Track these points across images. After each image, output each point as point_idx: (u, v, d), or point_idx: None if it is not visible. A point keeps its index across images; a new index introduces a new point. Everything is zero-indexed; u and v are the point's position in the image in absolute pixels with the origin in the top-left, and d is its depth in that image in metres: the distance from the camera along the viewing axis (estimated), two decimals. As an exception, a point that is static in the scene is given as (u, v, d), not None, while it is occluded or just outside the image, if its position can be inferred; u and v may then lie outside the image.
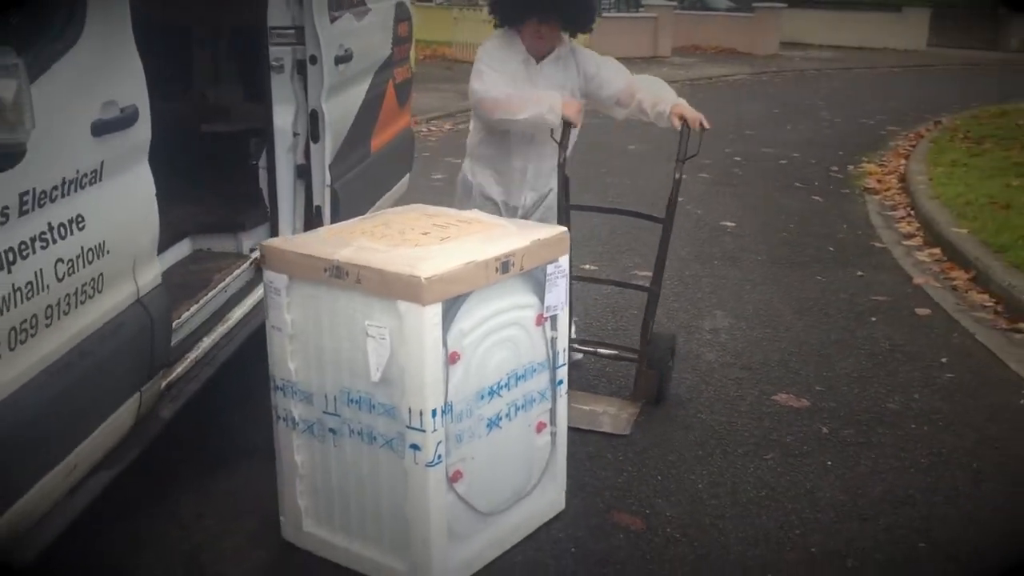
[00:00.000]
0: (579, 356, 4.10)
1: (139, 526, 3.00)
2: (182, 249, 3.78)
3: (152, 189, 2.68)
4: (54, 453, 2.26)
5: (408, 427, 2.57)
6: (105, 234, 2.42)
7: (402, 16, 5.02)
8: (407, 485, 2.63)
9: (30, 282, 2.12)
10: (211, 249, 3.89)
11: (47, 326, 2.19)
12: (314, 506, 2.89)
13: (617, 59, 3.92)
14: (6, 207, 2.02)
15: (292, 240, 2.91)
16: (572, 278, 3.25)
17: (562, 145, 3.51)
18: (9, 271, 2.04)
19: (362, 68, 4.35)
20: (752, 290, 5.42)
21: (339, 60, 3.99)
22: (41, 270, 2.15)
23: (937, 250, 6.27)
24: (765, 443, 3.64)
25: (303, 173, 4.00)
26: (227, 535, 3.00)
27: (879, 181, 8.47)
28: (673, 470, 3.43)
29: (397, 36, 4.90)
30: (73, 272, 2.28)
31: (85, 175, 2.32)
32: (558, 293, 2.91)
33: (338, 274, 2.60)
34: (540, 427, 3.00)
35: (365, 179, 4.44)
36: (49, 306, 2.20)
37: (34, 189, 2.11)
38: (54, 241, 2.20)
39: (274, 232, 4.00)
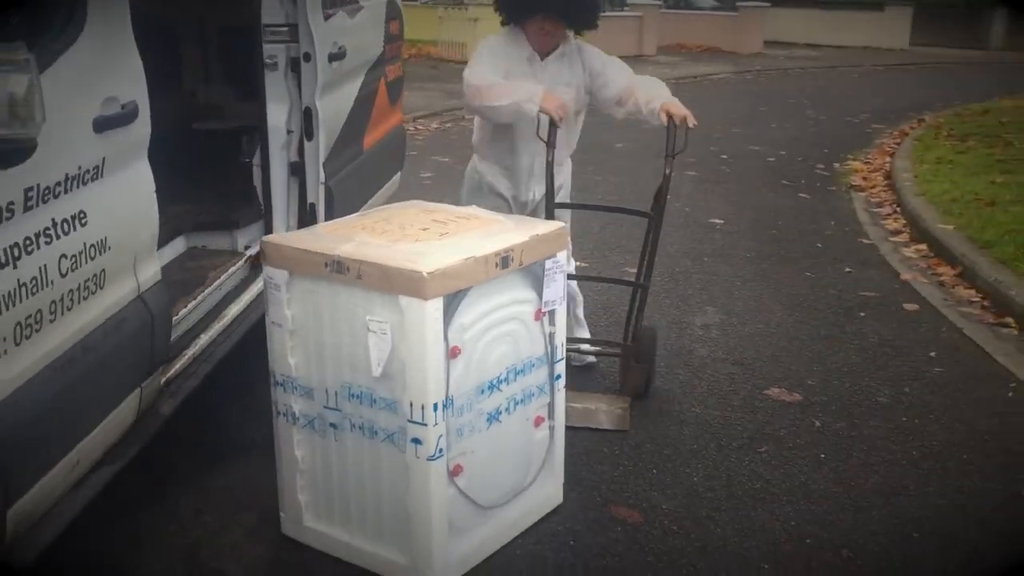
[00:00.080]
0: (591, 359, 4.14)
1: (138, 523, 3.01)
2: (177, 246, 3.79)
3: (152, 185, 2.69)
4: (58, 449, 2.27)
5: (409, 421, 2.59)
6: (107, 230, 2.42)
7: (393, 14, 5.03)
8: (408, 479, 2.64)
9: (35, 278, 2.12)
10: (206, 246, 3.90)
11: (51, 322, 2.20)
12: (314, 501, 2.90)
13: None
14: (11, 203, 2.02)
15: (292, 236, 2.92)
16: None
17: (549, 144, 3.52)
18: (15, 266, 2.05)
19: (355, 66, 4.36)
20: (742, 286, 5.46)
21: (333, 58, 4.00)
22: (45, 266, 2.16)
23: (923, 246, 6.34)
24: (759, 437, 3.67)
25: (297, 171, 4.00)
26: (226, 531, 3.00)
27: (865, 178, 8.54)
28: (669, 464, 3.45)
29: (389, 34, 4.91)
30: (76, 268, 2.29)
31: (87, 171, 2.33)
32: (556, 288, 2.93)
33: (339, 269, 2.61)
34: (538, 421, 3.02)
35: (358, 177, 4.46)
36: (53, 302, 2.20)
37: (38, 185, 2.11)
38: (58, 237, 2.21)
39: (268, 229, 4.01)
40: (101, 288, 2.42)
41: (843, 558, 2.92)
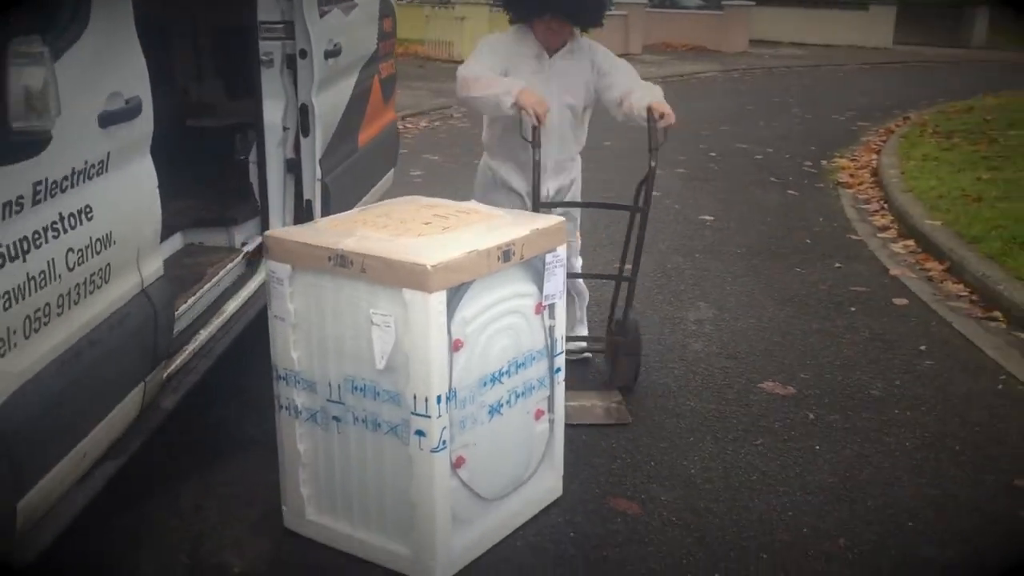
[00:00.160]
0: (588, 354, 4.17)
1: (139, 517, 3.01)
2: (174, 243, 3.79)
3: (155, 181, 2.71)
4: (66, 442, 2.28)
5: (413, 413, 2.61)
6: (112, 225, 2.44)
7: (386, 12, 5.05)
8: (412, 471, 2.67)
9: (43, 271, 2.14)
10: (203, 243, 3.91)
11: (59, 315, 2.21)
12: (316, 494, 2.91)
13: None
14: (21, 196, 2.03)
15: (295, 230, 2.93)
16: None
17: (534, 143, 3.55)
18: (24, 260, 2.06)
19: (349, 63, 4.38)
20: (734, 282, 5.50)
21: (328, 55, 4.01)
22: (53, 259, 2.17)
23: (911, 242, 6.39)
24: (754, 429, 3.71)
25: (293, 167, 4.02)
26: (228, 525, 3.02)
27: (852, 175, 8.60)
28: (666, 456, 3.49)
29: (382, 31, 4.93)
30: (82, 262, 2.30)
31: (93, 166, 2.34)
32: (556, 282, 2.96)
33: (342, 263, 2.63)
34: (539, 414, 3.05)
35: (353, 173, 4.47)
36: (60, 295, 2.22)
37: (46, 179, 2.13)
38: (65, 231, 2.22)
39: (265, 226, 4.02)
40: (106, 282, 2.43)
41: (840, 547, 2.96)
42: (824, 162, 9.24)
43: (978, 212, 6.48)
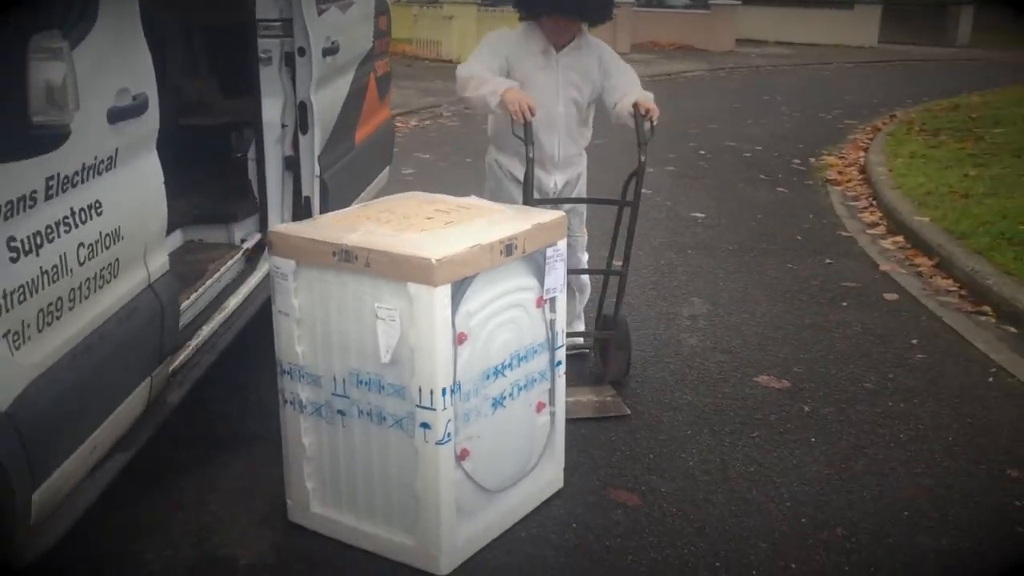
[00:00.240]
0: (586, 349, 4.20)
1: (144, 511, 3.03)
2: (174, 240, 3.81)
3: (160, 177, 2.73)
4: (78, 435, 2.30)
5: (418, 406, 2.64)
6: (120, 220, 2.46)
7: (382, 9, 5.07)
8: (417, 463, 2.70)
9: (55, 265, 2.16)
10: (203, 240, 3.92)
11: (70, 309, 2.23)
12: (321, 487, 2.94)
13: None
14: (34, 191, 2.06)
15: (299, 226, 2.96)
16: None
17: (527, 140, 3.58)
18: (37, 254, 2.08)
19: (347, 60, 4.41)
20: (726, 278, 5.54)
21: (327, 52, 4.04)
22: (65, 254, 2.20)
23: (900, 238, 6.46)
24: (750, 422, 3.76)
25: (291, 164, 4.04)
26: (233, 519, 3.04)
27: (840, 173, 8.66)
28: (664, 449, 3.53)
29: (378, 29, 4.96)
30: (93, 256, 2.32)
31: (102, 161, 2.36)
32: (557, 276, 3.00)
33: (347, 258, 2.66)
34: (540, 407, 3.08)
35: (350, 171, 4.50)
36: (72, 289, 2.24)
37: (59, 174, 2.15)
38: (76, 226, 2.25)
39: (264, 223, 4.04)
40: (115, 277, 2.46)
41: (838, 536, 3.01)
42: (812, 160, 9.31)
43: (966, 208, 6.54)
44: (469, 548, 2.85)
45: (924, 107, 12.27)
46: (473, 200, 3.14)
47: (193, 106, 4.62)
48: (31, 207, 2.05)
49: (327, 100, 4.11)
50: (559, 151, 3.83)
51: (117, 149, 2.44)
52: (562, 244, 3.00)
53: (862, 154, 9.36)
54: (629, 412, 3.75)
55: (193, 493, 3.18)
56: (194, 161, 4.22)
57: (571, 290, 3.97)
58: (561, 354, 3.11)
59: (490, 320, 2.78)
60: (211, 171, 4.14)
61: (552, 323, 3.04)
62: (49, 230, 2.13)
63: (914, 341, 4.64)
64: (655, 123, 3.67)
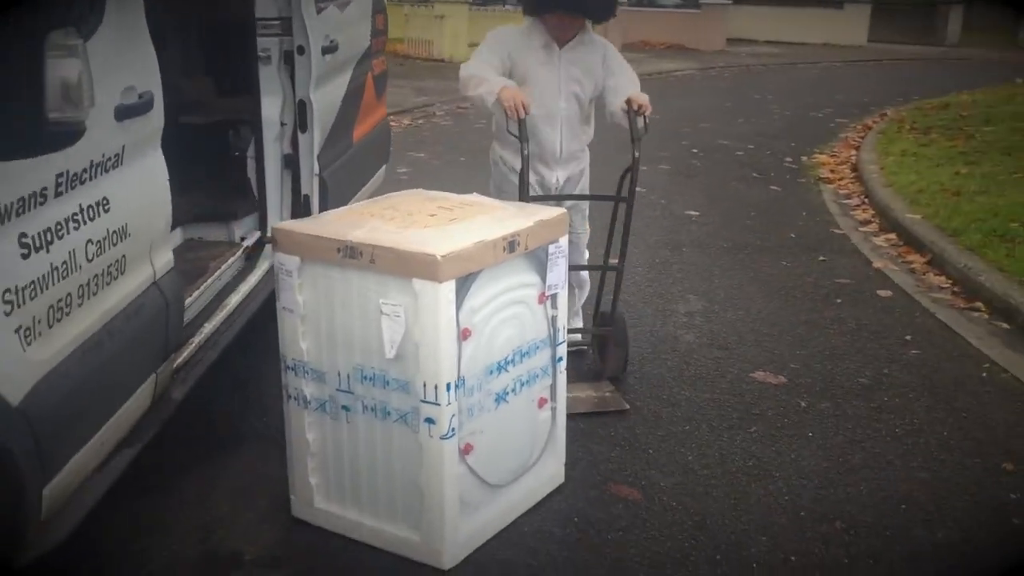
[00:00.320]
0: (585, 346, 4.23)
1: (147, 508, 3.04)
2: (175, 238, 3.81)
3: (166, 174, 2.75)
4: (86, 430, 2.32)
5: (423, 401, 2.67)
6: (127, 217, 2.48)
7: (379, 8, 5.09)
8: (421, 458, 2.72)
9: (65, 262, 2.18)
10: (203, 238, 3.94)
11: (79, 306, 2.25)
12: (325, 483, 2.96)
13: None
14: (45, 188, 2.07)
15: (303, 223, 2.98)
16: None
17: (521, 138, 3.61)
18: (48, 250, 2.10)
19: (345, 59, 4.43)
20: (721, 275, 5.58)
21: (326, 51, 4.06)
22: (74, 250, 2.21)
23: (893, 235, 6.51)
24: (748, 417, 3.79)
25: (290, 163, 4.06)
26: (237, 515, 3.05)
27: (832, 171, 8.72)
28: (664, 444, 3.56)
29: (375, 28, 4.98)
30: (101, 253, 2.34)
31: (109, 159, 2.38)
32: (559, 272, 3.02)
33: (352, 254, 2.67)
34: (542, 403, 3.11)
35: (349, 169, 4.52)
36: (81, 286, 2.26)
37: (68, 171, 2.16)
38: (84, 223, 2.26)
39: (263, 221, 4.06)
40: (122, 274, 2.47)
41: (836, 529, 3.04)
42: (804, 158, 9.36)
43: (958, 206, 6.59)
44: (472, 542, 2.87)
45: (915, 106, 12.34)
46: (475, 197, 3.17)
47: (192, 104, 4.62)
48: (42, 204, 2.07)
49: (326, 98, 4.14)
50: (561, 146, 3.86)
51: (124, 147, 2.45)
52: (563, 241, 3.03)
53: (854, 152, 9.42)
54: (628, 407, 3.78)
55: (195, 490, 3.19)
56: (194, 159, 4.22)
57: (570, 286, 4.00)
58: (562, 350, 3.14)
59: (493, 316, 2.80)
60: (211, 169, 4.15)
61: (554, 319, 3.07)
62: (59, 226, 2.15)
63: (908, 337, 4.69)
64: (648, 119, 3.70)
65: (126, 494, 2.94)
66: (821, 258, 6.00)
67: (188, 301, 3.30)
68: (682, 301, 5.12)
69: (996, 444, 3.62)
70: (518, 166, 3.88)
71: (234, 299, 3.62)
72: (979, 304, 5.08)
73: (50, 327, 2.12)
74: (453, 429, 2.70)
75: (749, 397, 3.97)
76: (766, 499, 3.21)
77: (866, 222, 6.96)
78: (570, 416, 3.37)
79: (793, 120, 11.81)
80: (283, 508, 3.06)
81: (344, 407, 2.84)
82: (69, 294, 2.20)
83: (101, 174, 2.34)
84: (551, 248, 2.97)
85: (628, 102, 3.68)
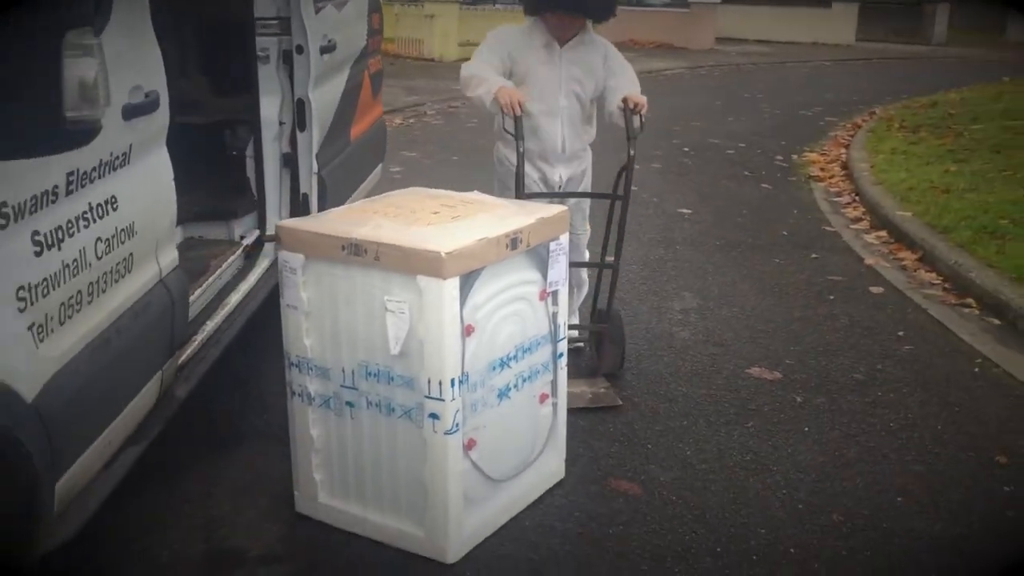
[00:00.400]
0: (581, 344, 4.26)
1: (149, 505, 3.05)
2: (176, 236, 3.83)
3: (171, 173, 2.77)
4: (96, 427, 2.34)
5: (427, 397, 2.69)
6: (134, 215, 2.49)
7: (374, 8, 5.12)
8: (425, 453, 2.75)
9: (75, 259, 2.20)
10: (203, 237, 3.95)
11: (89, 303, 2.27)
12: (329, 479, 2.98)
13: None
14: (56, 186, 2.09)
15: (307, 221, 3.00)
16: None
17: (517, 136, 3.64)
18: (59, 248, 2.12)
19: (343, 58, 4.45)
20: (715, 272, 5.62)
21: (324, 50, 4.08)
22: (84, 248, 2.23)
23: (884, 233, 6.57)
24: (744, 412, 3.83)
25: (288, 162, 4.08)
26: (240, 511, 3.07)
27: (822, 169, 8.78)
28: (662, 439, 3.59)
29: (371, 28, 5.00)
30: (109, 251, 2.36)
31: (117, 157, 2.40)
32: (559, 269, 3.05)
33: (356, 252, 2.70)
34: (543, 398, 3.14)
35: (346, 167, 4.54)
36: (90, 283, 2.28)
37: (78, 169, 2.18)
38: (94, 221, 2.28)
39: (262, 219, 4.08)
40: (129, 272, 2.49)
41: (834, 521, 3.08)
42: (795, 156, 9.42)
43: (947, 203, 6.66)
44: (476, 537, 2.90)
45: (903, 104, 12.43)
46: (476, 195, 3.20)
47: (192, 103, 4.64)
48: (53, 202, 2.09)
49: (324, 98, 4.16)
50: (564, 143, 3.87)
51: (131, 145, 2.47)
52: (564, 238, 3.06)
53: (843, 151, 9.49)
54: (621, 403, 3.81)
55: (197, 487, 3.21)
56: (193, 158, 4.24)
57: (569, 286, 4.02)
58: (563, 346, 3.17)
59: (496, 312, 2.83)
60: (210, 168, 4.17)
61: (554, 316, 3.10)
62: (69, 225, 2.16)
63: (901, 333, 4.74)
64: (644, 118, 3.73)
65: (128, 492, 2.95)
66: (813, 255, 6.05)
67: (191, 299, 3.31)
68: (677, 298, 5.16)
69: (989, 438, 3.67)
70: (527, 170, 3.91)
71: (235, 297, 3.64)
72: (970, 300, 5.14)
73: (61, 324, 2.14)
74: (457, 424, 2.72)
75: (745, 393, 4.01)
76: (764, 493, 3.25)
77: (857, 220, 7.02)
78: (569, 412, 3.40)
79: (783, 119, 11.88)
80: (286, 504, 3.08)
81: (348, 403, 2.86)
82: (79, 291, 2.22)
83: (109, 173, 2.35)
84: (552, 245, 3.01)
85: (624, 101, 3.72)
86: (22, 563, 2.04)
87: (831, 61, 19.68)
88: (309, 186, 4.08)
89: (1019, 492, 3.28)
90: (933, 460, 3.50)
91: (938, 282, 5.50)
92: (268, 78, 3.98)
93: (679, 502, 3.17)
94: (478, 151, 9.01)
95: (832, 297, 5.25)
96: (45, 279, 2.06)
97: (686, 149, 9.52)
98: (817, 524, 3.06)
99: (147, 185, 2.61)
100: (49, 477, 2.07)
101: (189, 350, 3.16)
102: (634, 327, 4.58)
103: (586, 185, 4.09)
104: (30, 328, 2.01)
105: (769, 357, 4.38)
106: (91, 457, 2.32)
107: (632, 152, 3.71)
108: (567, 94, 3.82)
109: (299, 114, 3.98)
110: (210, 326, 3.38)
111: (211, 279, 3.54)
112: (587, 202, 4.14)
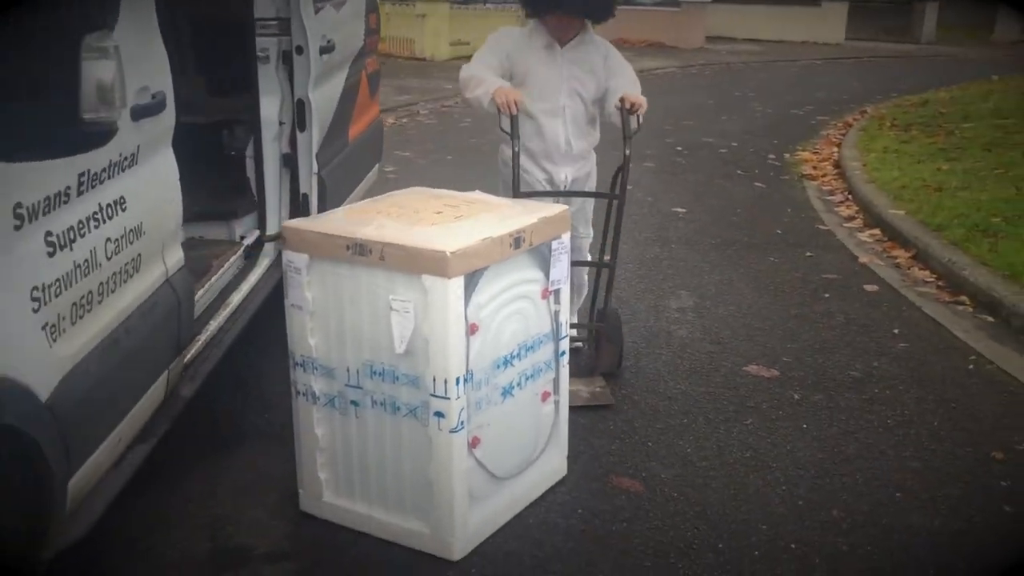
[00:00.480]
0: (579, 343, 4.28)
1: (155, 504, 3.07)
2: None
3: (176, 173, 2.78)
4: (106, 425, 2.35)
5: (432, 395, 2.71)
6: (142, 216, 2.51)
7: (371, 8, 5.13)
8: (431, 451, 2.77)
9: (86, 260, 2.21)
10: (203, 237, 3.96)
11: (99, 303, 2.29)
12: (334, 477, 3.00)
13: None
14: (68, 187, 2.11)
15: (312, 221, 3.01)
16: None
17: (513, 135, 3.67)
18: (71, 248, 2.13)
19: (341, 58, 4.46)
20: (711, 271, 5.66)
21: (323, 51, 4.09)
22: (95, 248, 2.25)
23: (877, 231, 6.61)
24: (743, 410, 3.86)
25: (288, 162, 4.09)
26: (245, 510, 3.08)
27: (815, 168, 8.82)
28: (662, 437, 3.62)
29: (368, 28, 5.02)
30: (119, 251, 2.38)
31: (126, 158, 2.41)
32: (561, 268, 3.08)
33: (361, 251, 2.72)
34: (545, 396, 3.17)
35: (345, 167, 4.55)
36: (101, 283, 2.29)
37: (89, 170, 2.20)
38: (104, 221, 2.30)
39: (262, 220, 4.09)
40: (137, 272, 2.51)
41: (834, 517, 3.11)
42: (787, 155, 9.47)
43: (940, 201, 6.71)
44: (480, 534, 2.92)
45: (894, 103, 12.49)
46: (478, 195, 3.22)
47: (192, 104, 4.65)
48: (65, 203, 2.10)
49: (324, 98, 4.17)
50: (567, 141, 3.89)
51: (139, 146, 2.49)
52: (566, 237, 3.08)
53: (835, 149, 9.54)
54: (612, 402, 3.82)
55: (201, 487, 3.22)
56: (193, 158, 4.25)
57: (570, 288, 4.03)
58: (565, 344, 3.20)
59: (499, 311, 2.86)
60: (210, 168, 4.18)
61: (556, 314, 3.13)
62: (81, 225, 2.18)
63: (896, 331, 4.78)
64: (641, 118, 3.75)
65: (133, 490, 2.97)
66: (808, 254, 6.09)
67: (195, 299, 3.33)
68: (673, 297, 5.19)
69: (985, 434, 3.71)
70: (528, 166, 3.93)
71: (236, 297, 3.65)
72: (964, 298, 5.18)
73: (73, 324, 2.15)
74: (462, 422, 2.75)
75: (743, 390, 4.05)
76: (764, 489, 3.28)
77: (850, 218, 7.07)
78: (570, 410, 3.43)
79: (775, 117, 11.93)
80: (290, 503, 3.10)
81: (353, 402, 2.88)
82: (90, 291, 2.23)
83: (118, 173, 2.37)
84: (554, 244, 3.03)
85: (621, 100, 3.74)
86: (36, 561, 2.05)
87: (821, 60, 19.75)
88: (309, 186, 4.09)
89: (1016, 487, 3.32)
90: (930, 456, 3.53)
91: (932, 280, 5.54)
92: (268, 78, 3.99)
93: (680, 499, 3.20)
94: (472, 151, 9.05)
95: (827, 295, 5.29)
96: (58, 279, 2.08)
97: (679, 148, 9.55)
98: (817, 520, 3.10)
99: (154, 185, 2.62)
100: (62, 476, 2.08)
101: (193, 350, 3.17)
102: (632, 325, 4.60)
103: (590, 188, 4.10)
104: (44, 328, 2.02)
105: (766, 355, 4.42)
106: (101, 456, 2.34)
107: (627, 152, 3.74)
108: (568, 93, 3.84)
109: (299, 114, 3.99)
110: (213, 326, 3.40)
111: (213, 279, 3.55)
112: (590, 206, 4.15)
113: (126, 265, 2.43)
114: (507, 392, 2.95)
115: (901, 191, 7.16)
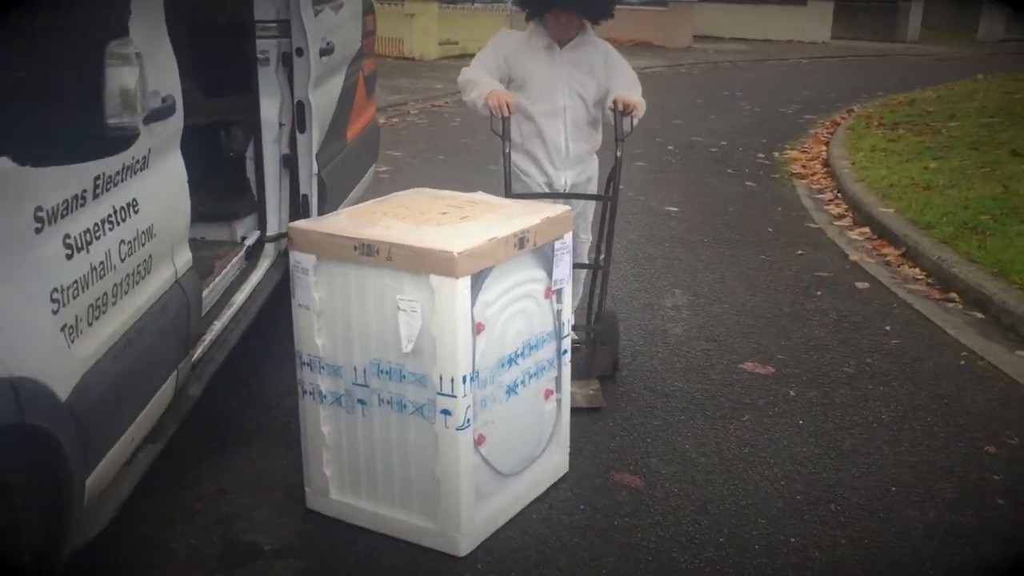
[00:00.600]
0: (576, 345, 4.31)
1: (163, 502, 3.10)
2: (181, 238, 3.87)
3: (185, 176, 2.81)
4: (120, 425, 2.39)
5: (439, 393, 2.76)
6: (152, 218, 2.54)
7: (368, 9, 5.16)
8: (437, 448, 2.81)
9: (101, 262, 2.24)
10: (205, 238, 3.98)
11: (113, 304, 2.32)
12: (340, 475, 3.04)
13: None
14: (85, 190, 2.14)
15: (319, 222, 3.05)
16: None
17: (504, 137, 3.71)
18: (88, 251, 2.16)
19: (340, 60, 4.49)
20: (704, 269, 5.72)
21: (323, 52, 4.12)
22: (109, 251, 2.28)
23: (867, 229, 6.69)
24: (740, 406, 3.92)
25: (288, 163, 4.12)
26: (253, 507, 3.12)
27: (804, 167, 8.91)
28: (661, 434, 3.67)
29: (365, 29, 5.05)
30: (132, 253, 2.41)
31: (137, 161, 2.45)
32: (564, 267, 3.13)
33: (368, 252, 2.76)
34: (548, 394, 3.21)
35: (344, 168, 4.59)
36: (115, 285, 2.33)
37: (104, 173, 2.23)
38: (117, 224, 2.33)
39: (262, 221, 4.12)
40: (149, 273, 2.54)
41: (831, 511, 3.17)
42: (776, 154, 9.55)
43: (928, 200, 6.79)
44: (486, 530, 2.97)
45: (880, 102, 12.60)
46: (481, 196, 3.26)
47: (192, 105, 4.67)
48: (82, 206, 2.14)
49: (323, 99, 4.20)
50: (567, 145, 3.92)
51: (150, 149, 2.52)
52: (568, 237, 3.13)
53: (824, 148, 9.63)
54: (605, 404, 3.85)
55: (208, 485, 3.25)
56: (194, 160, 4.28)
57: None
58: (567, 343, 3.24)
59: (504, 310, 2.90)
60: (211, 170, 4.20)
61: (559, 313, 3.17)
62: (96, 228, 2.21)
63: (888, 328, 4.85)
64: (635, 120, 3.79)
65: (139, 488, 2.99)
66: (799, 252, 6.15)
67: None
68: (668, 295, 5.24)
69: (978, 429, 3.78)
70: (526, 167, 3.98)
71: (239, 297, 3.68)
72: (953, 295, 5.26)
73: (90, 325, 2.19)
74: (468, 420, 2.79)
75: (740, 387, 4.10)
76: (763, 484, 3.33)
77: (840, 216, 7.15)
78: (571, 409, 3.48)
79: (763, 116, 12.02)
80: (296, 501, 3.14)
81: (360, 401, 2.92)
82: (105, 293, 2.26)
83: (130, 176, 2.40)
84: (557, 244, 3.08)
85: (615, 102, 3.78)
86: (55, 560, 2.08)
87: (807, 59, 19.89)
88: (309, 187, 4.12)
89: (1009, 481, 3.39)
90: (924, 451, 3.60)
91: (922, 277, 5.62)
92: (268, 80, 4.02)
93: (681, 494, 3.25)
94: (464, 150, 9.09)
95: (819, 293, 5.36)
96: (75, 281, 2.11)
97: (670, 147, 9.62)
98: (815, 514, 3.15)
99: (164, 188, 2.65)
100: (80, 475, 2.12)
101: (199, 350, 3.20)
102: (628, 324, 4.66)
103: (593, 190, 4.12)
104: (63, 329, 2.06)
105: (761, 352, 4.48)
106: (116, 454, 2.37)
107: (619, 154, 3.78)
108: (568, 93, 3.88)
109: (299, 116, 4.02)
110: (218, 326, 3.42)
111: (217, 280, 3.58)
112: (591, 210, 4.18)
113: (139, 267, 2.46)
114: (512, 390, 2.99)
115: (890, 189, 7.25)
